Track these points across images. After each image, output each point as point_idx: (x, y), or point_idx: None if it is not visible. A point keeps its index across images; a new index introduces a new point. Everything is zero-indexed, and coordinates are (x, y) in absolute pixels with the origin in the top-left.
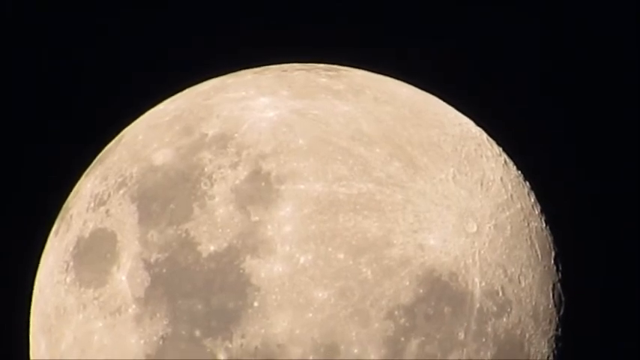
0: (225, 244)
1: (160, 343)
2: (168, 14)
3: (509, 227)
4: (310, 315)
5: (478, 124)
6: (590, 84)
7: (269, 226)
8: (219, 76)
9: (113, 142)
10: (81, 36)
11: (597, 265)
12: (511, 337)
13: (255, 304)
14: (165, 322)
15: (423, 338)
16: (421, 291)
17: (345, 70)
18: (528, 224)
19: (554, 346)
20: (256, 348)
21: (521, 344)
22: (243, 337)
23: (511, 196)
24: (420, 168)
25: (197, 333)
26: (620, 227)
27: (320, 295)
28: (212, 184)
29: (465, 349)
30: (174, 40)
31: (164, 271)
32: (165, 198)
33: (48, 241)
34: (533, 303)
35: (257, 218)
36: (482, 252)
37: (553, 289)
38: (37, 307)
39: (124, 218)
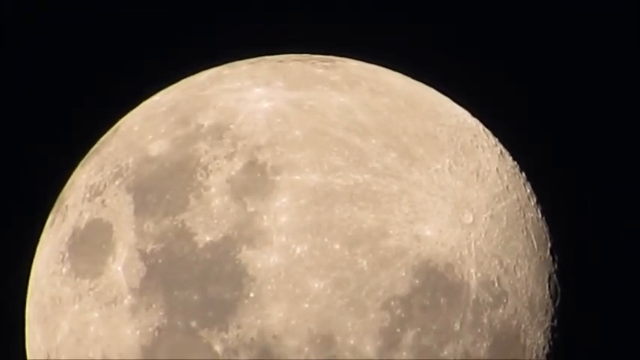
0: (221, 235)
1: (156, 333)
2: (164, 6)
3: (505, 218)
4: (306, 305)
5: (474, 114)
6: (584, 74)
7: (265, 217)
8: (215, 67)
9: (109, 133)
10: (76, 27)
11: (593, 255)
12: (507, 327)
13: (251, 294)
14: (161, 313)
15: (419, 329)
16: (417, 282)
17: (341, 61)
18: (524, 215)
19: (550, 336)
20: (252, 339)
21: (517, 335)
22: (239, 327)
23: (507, 186)
24: (416, 159)
25: (193, 324)
26: (615, 218)
27: (316, 285)
28: (208, 175)
29: (460, 340)
30: (170, 32)
31: (160, 261)
32: (161, 189)
33: (44, 232)
34: (529, 294)
35: (253, 209)
36: (478, 243)
37: (549, 280)
38: (32, 297)
39: (120, 209)
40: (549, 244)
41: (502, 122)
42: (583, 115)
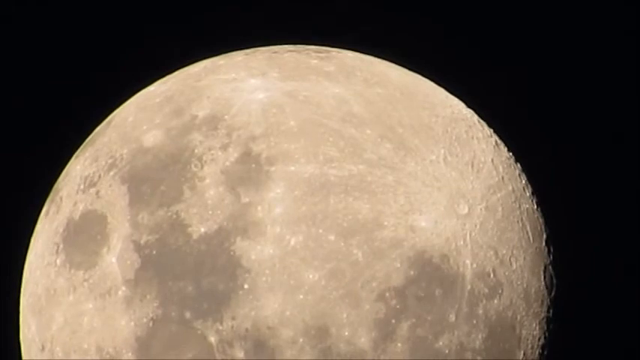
0: (215, 226)
1: (150, 325)
2: None
3: (500, 209)
4: (301, 297)
5: (469, 105)
6: (579, 65)
7: (259, 208)
8: (210, 57)
9: (103, 123)
10: (72, 17)
11: (588, 246)
12: (502, 319)
13: (246, 286)
14: (155, 304)
15: (414, 320)
16: (412, 273)
17: (336, 52)
18: (519, 206)
19: (545, 327)
20: (247, 330)
21: (512, 326)
22: (233, 319)
23: (502, 177)
24: (411, 149)
25: (187, 315)
26: (611, 209)
27: (311, 276)
28: (202, 166)
29: (456, 331)
30: (166, 21)
31: (154, 252)
32: (156, 180)
33: (38, 223)
34: (525, 285)
35: (247, 200)
36: (473, 234)
37: (544, 271)
38: (27, 288)
39: (115, 200)
40: (545, 235)
41: (497, 113)
42: (578, 106)
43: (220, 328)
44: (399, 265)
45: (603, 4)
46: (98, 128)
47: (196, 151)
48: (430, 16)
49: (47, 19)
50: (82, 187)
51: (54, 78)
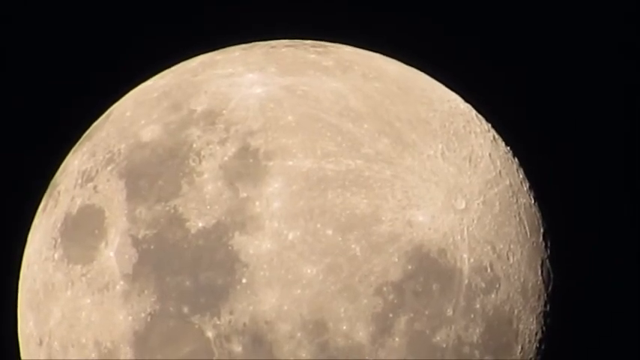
0: (213, 221)
1: (148, 319)
2: None
3: (497, 203)
4: (299, 291)
5: (467, 100)
6: (577, 59)
7: (257, 203)
8: (208, 52)
9: (101, 118)
10: (70, 13)
11: (585, 241)
12: (500, 313)
13: (244, 280)
14: (153, 299)
15: (412, 314)
16: (410, 267)
17: (334, 47)
18: (517, 200)
19: (542, 322)
20: (244, 324)
21: (509, 320)
22: (231, 313)
23: (500, 172)
24: (409, 144)
25: (185, 310)
26: (608, 203)
27: (308, 271)
28: (200, 161)
29: (453, 326)
30: (163, 16)
31: (152, 247)
32: (154, 174)
33: (36, 218)
34: (522, 279)
35: (245, 194)
36: (470, 228)
37: (542, 266)
38: (25, 283)
39: (112, 194)
40: (542, 230)
41: (495, 108)
42: (576, 101)
43: (218, 322)
44: (396, 259)
45: (603, 4)
46: (96, 123)
47: (194, 145)
48: (430, 16)
49: (47, 19)
50: (79, 181)
51: (53, 73)
